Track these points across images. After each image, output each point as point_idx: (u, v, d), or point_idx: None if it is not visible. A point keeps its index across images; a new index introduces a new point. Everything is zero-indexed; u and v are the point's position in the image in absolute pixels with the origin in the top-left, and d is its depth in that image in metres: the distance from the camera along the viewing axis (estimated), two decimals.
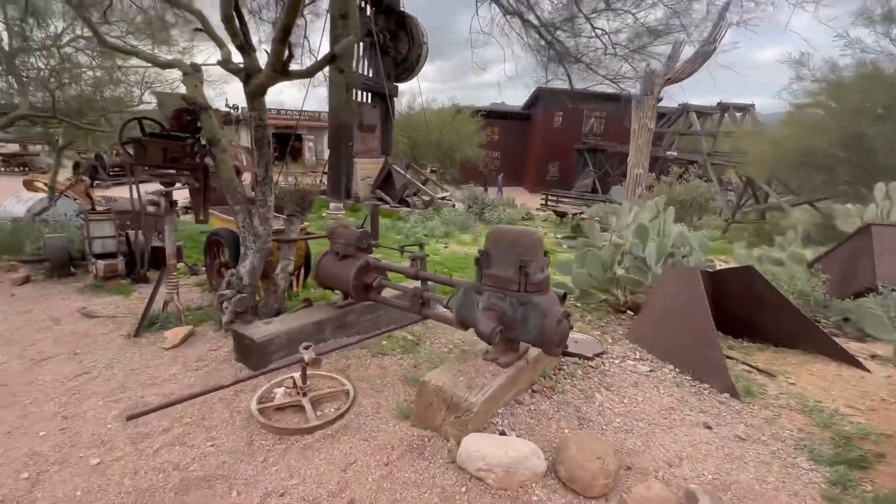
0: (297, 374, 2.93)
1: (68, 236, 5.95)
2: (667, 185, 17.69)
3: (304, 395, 2.77)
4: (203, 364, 3.34)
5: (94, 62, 6.79)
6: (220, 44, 3.74)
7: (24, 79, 6.23)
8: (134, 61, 7.25)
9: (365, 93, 14.73)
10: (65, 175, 12.63)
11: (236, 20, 3.38)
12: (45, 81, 6.27)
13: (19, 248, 6.17)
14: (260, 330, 3.23)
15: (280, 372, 3.12)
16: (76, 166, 17.72)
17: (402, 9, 14.37)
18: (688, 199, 16.66)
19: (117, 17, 5.76)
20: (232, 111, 13.54)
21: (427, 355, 3.63)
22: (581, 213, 14.17)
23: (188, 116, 3.72)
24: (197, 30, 4.10)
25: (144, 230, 5.51)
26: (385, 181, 14.20)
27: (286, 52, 3.34)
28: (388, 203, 13.83)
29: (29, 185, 10.89)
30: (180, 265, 6.18)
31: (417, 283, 3.57)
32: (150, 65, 7.19)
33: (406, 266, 3.79)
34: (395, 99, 16.09)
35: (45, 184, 10.82)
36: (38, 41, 6.02)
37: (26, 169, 19.90)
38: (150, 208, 7.91)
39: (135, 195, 5.98)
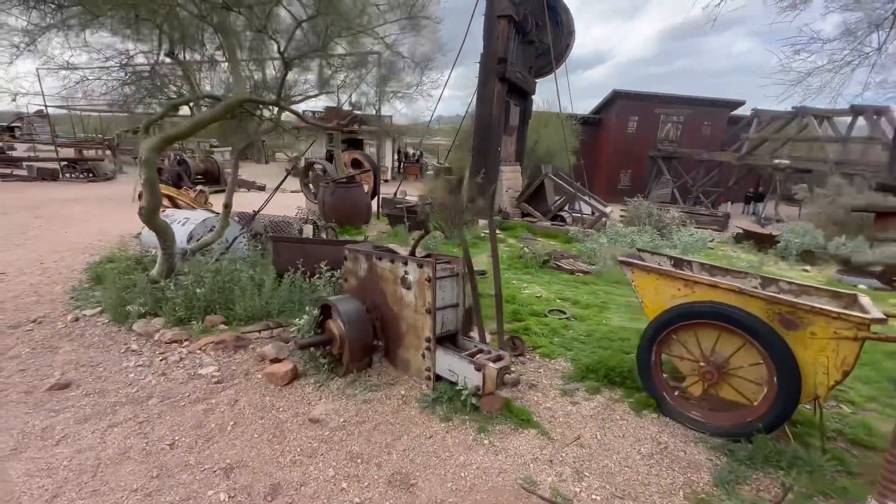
0: None
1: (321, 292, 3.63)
2: (823, 199, 14.78)
3: None
4: None
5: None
6: None
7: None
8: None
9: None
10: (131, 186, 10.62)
11: None
12: (283, 51, 3.93)
13: (225, 303, 3.86)
14: None
15: None
16: (159, 172, 15.51)
17: None
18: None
19: None
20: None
21: None
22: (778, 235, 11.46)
23: None
24: None
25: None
26: (535, 193, 11.77)
27: None
28: (535, 219, 11.42)
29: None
30: (492, 337, 3.74)
31: None
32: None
33: None
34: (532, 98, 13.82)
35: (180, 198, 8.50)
36: None
37: (92, 175, 18.01)
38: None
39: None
